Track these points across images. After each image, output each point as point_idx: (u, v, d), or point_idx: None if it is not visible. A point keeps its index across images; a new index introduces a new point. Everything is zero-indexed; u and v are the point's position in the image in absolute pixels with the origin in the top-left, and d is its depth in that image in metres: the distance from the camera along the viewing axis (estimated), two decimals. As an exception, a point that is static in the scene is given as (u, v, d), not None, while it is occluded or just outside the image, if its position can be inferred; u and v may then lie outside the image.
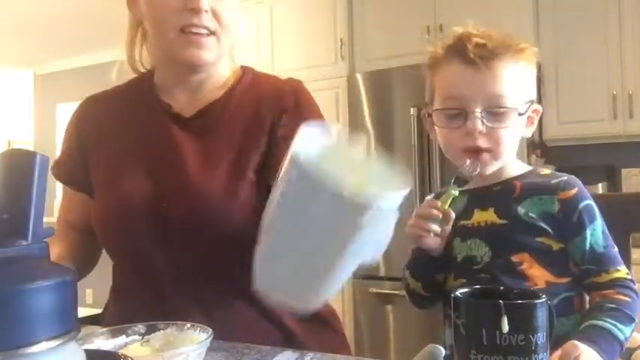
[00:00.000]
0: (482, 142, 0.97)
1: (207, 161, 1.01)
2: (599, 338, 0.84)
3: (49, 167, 1.13)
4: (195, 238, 0.99)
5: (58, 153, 1.17)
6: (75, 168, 1.12)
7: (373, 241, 0.55)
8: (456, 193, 1.00)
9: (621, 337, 0.86)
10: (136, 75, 1.16)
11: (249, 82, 1.10)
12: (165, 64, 1.08)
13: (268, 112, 1.04)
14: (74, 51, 5.56)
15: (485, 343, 0.59)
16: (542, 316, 0.61)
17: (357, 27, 3.66)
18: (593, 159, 3.34)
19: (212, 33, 1.00)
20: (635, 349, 0.91)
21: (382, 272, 3.20)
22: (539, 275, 1.03)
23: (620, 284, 0.94)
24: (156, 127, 1.06)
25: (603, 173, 3.28)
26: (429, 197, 1.09)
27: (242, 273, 0.94)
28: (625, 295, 0.92)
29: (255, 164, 1.02)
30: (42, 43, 5.32)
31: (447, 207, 1.00)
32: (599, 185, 3.23)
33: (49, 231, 0.45)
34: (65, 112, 5.93)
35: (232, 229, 0.98)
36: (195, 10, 0.97)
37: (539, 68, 3.45)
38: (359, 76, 3.44)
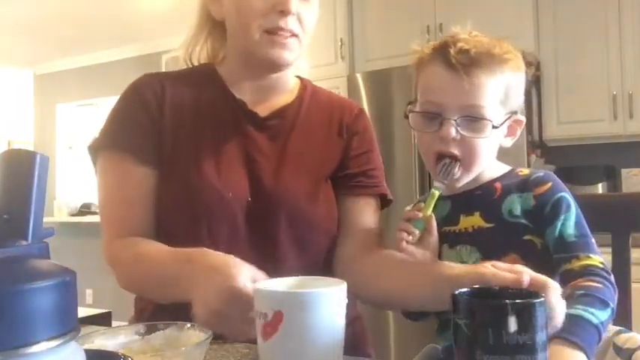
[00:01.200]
0: (455, 149, 0.97)
1: (287, 163, 1.05)
2: (572, 326, 0.83)
3: (89, 144, 1.07)
4: (274, 239, 1.02)
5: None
6: (144, 139, 1.03)
7: None
8: (439, 192, 1.00)
9: (595, 320, 0.85)
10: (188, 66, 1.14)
11: (311, 90, 1.15)
12: (242, 60, 1.07)
13: (340, 125, 1.12)
14: (74, 51, 5.56)
15: (492, 344, 0.59)
16: (543, 315, 0.61)
17: (357, 27, 3.66)
18: (593, 159, 3.34)
19: (295, 35, 1.02)
20: (635, 350, 0.90)
21: (382, 272, 3.20)
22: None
23: (590, 272, 0.93)
24: (233, 121, 1.06)
25: (603, 173, 3.28)
26: (410, 206, 1.08)
27: (315, 271, 0.96)
28: (595, 281, 0.91)
29: (330, 171, 1.08)
30: (42, 43, 5.32)
31: (430, 210, 0.99)
32: (599, 185, 3.24)
33: (49, 231, 0.45)
34: (65, 112, 5.93)
35: (313, 231, 1.04)
36: (285, 13, 0.99)
37: (538, 68, 3.46)
38: (359, 76, 3.44)
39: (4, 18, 4.59)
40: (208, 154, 1.03)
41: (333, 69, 3.63)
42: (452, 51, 0.96)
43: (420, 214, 1.00)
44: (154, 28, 4.87)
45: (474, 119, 0.96)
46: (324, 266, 1.05)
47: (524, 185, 1.01)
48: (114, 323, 3.37)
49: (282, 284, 0.70)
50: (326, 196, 1.07)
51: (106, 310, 3.74)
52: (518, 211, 0.99)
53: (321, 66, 3.64)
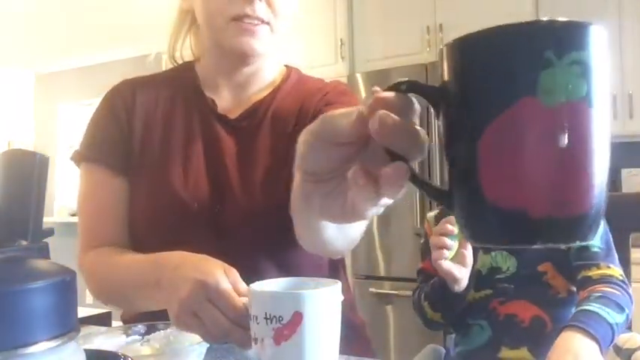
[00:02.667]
0: None
1: (257, 167, 0.99)
2: (586, 318, 0.83)
3: (70, 156, 1.06)
4: (244, 244, 0.96)
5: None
6: (114, 149, 1.03)
7: None
8: None
9: (610, 319, 0.85)
10: (172, 65, 1.12)
11: (294, 81, 1.08)
12: (214, 55, 1.04)
13: (311, 105, 1.02)
14: (74, 51, 5.56)
15: None
16: None
17: (357, 27, 3.66)
18: (593, 159, 3.34)
19: (265, 22, 0.96)
20: (635, 350, 0.90)
21: (382, 272, 3.20)
22: (561, 285, 1.03)
23: (608, 280, 0.93)
24: (203, 125, 1.03)
25: (603, 173, 3.28)
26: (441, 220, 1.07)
27: (278, 271, 0.94)
28: (613, 288, 0.91)
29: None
30: (42, 43, 5.32)
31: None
32: (599, 185, 3.23)
33: (49, 231, 0.45)
34: (65, 112, 5.93)
35: (287, 243, 0.94)
36: (249, 0, 0.93)
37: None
38: (359, 76, 3.44)
39: (4, 18, 4.59)
40: (176, 161, 1.00)
41: (333, 69, 3.63)
42: None
43: (454, 228, 0.99)
44: (154, 29, 4.86)
45: None
46: (298, 269, 0.98)
47: None
48: (114, 323, 3.36)
49: (275, 286, 0.70)
50: (285, 193, 0.98)
51: (106, 310, 3.74)
52: None
53: (321, 66, 3.64)
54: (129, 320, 1.04)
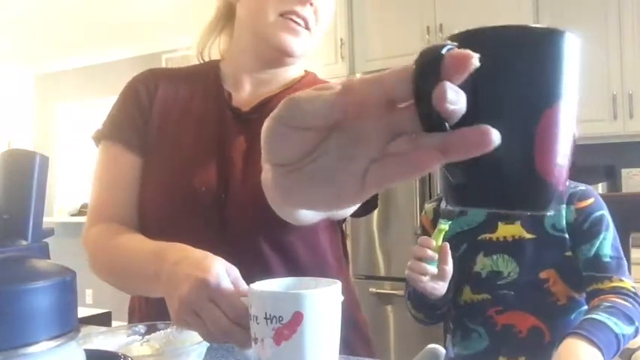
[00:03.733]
0: None
1: (253, 156, 1.01)
2: (591, 326, 0.83)
3: (91, 135, 1.09)
4: (246, 232, 0.99)
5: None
6: (133, 129, 1.06)
7: None
8: (446, 227, 0.99)
9: (616, 330, 0.85)
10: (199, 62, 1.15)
11: (307, 83, 1.11)
12: (248, 52, 1.06)
13: None
14: (74, 51, 5.56)
15: None
16: None
17: (357, 27, 3.66)
18: (593, 159, 3.34)
19: (307, 28, 1.01)
20: (635, 350, 0.90)
21: (382, 272, 3.21)
22: (562, 291, 1.02)
23: (619, 292, 0.93)
24: (217, 114, 1.06)
25: (603, 173, 3.28)
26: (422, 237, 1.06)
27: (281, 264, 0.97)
28: (624, 299, 0.91)
29: None
30: (42, 43, 5.32)
31: (440, 241, 0.98)
32: (599, 185, 3.23)
33: (49, 231, 0.45)
34: (64, 111, 5.93)
35: (288, 232, 0.99)
36: (303, 1, 0.98)
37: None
38: (359, 76, 3.44)
39: (4, 18, 4.59)
40: (188, 148, 1.03)
41: (333, 69, 3.63)
42: None
43: (433, 254, 0.98)
44: (154, 29, 4.87)
45: None
46: (301, 265, 1.03)
47: (568, 198, 1.00)
48: (114, 323, 3.37)
49: (274, 286, 0.70)
50: None
51: (106, 310, 3.75)
52: (562, 224, 0.98)
53: (321, 66, 3.64)
54: (135, 306, 1.06)
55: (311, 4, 0.99)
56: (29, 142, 6.02)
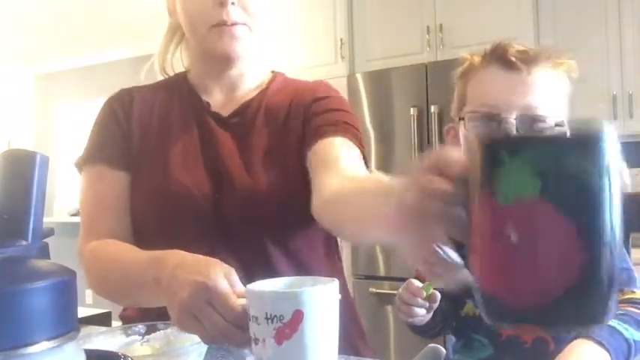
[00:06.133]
0: None
1: (253, 160, 1.04)
2: (600, 330, 0.82)
3: (74, 162, 1.12)
4: (243, 229, 1.01)
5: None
6: (115, 147, 1.08)
7: None
8: (433, 286, 0.99)
9: (627, 334, 0.84)
10: (163, 77, 1.19)
11: (281, 83, 1.14)
12: (202, 61, 1.11)
13: (302, 100, 1.08)
14: (74, 51, 5.56)
15: None
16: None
17: (357, 27, 3.65)
18: (593, 159, 3.34)
19: (242, 24, 1.02)
20: (635, 350, 0.90)
21: (382, 272, 3.21)
22: None
23: (633, 301, 0.92)
24: (197, 120, 1.09)
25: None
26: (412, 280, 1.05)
27: (280, 259, 1.00)
28: (636, 308, 0.90)
29: (297, 154, 1.04)
30: (42, 43, 5.32)
31: (429, 292, 0.99)
32: (599, 185, 3.23)
33: (49, 231, 0.45)
34: (64, 112, 5.93)
35: (286, 229, 1.03)
36: (224, 4, 0.99)
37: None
38: (359, 76, 3.44)
39: (4, 18, 4.59)
40: (174, 153, 1.05)
41: (333, 69, 3.63)
42: (511, 51, 0.95)
43: (423, 302, 0.99)
44: (154, 29, 4.86)
45: (533, 119, 0.92)
46: (302, 262, 1.04)
47: None
48: (114, 323, 3.36)
49: (272, 286, 0.70)
50: (296, 189, 1.00)
51: (106, 310, 3.74)
52: None
53: (321, 66, 3.64)
54: (127, 318, 1.06)
55: (233, 4, 1.00)
56: (29, 142, 6.02)
